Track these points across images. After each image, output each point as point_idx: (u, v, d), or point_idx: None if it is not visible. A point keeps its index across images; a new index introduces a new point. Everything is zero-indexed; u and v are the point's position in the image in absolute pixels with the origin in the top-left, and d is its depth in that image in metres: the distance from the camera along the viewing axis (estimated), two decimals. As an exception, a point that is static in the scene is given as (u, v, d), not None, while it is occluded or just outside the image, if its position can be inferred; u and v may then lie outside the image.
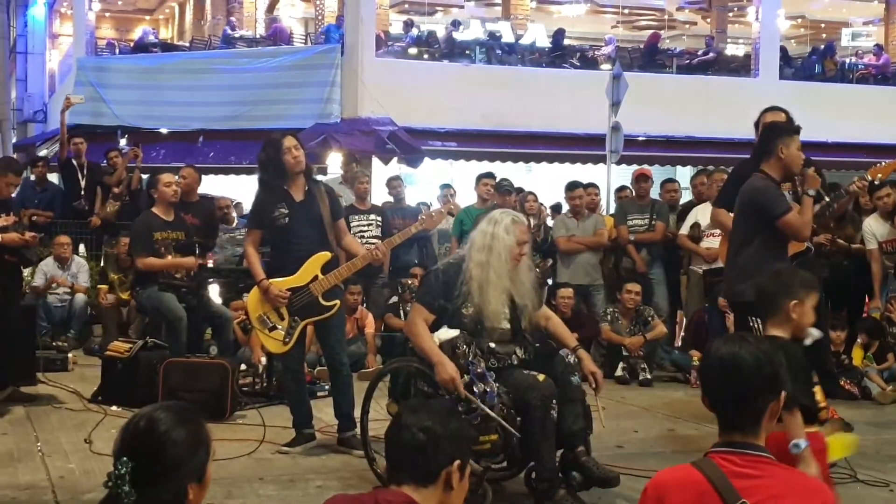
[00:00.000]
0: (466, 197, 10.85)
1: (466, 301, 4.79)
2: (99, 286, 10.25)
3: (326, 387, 7.25)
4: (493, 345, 4.80)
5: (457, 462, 2.30)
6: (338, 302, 5.83)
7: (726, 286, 5.76)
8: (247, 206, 12.35)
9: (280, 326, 5.77)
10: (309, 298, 5.73)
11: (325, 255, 5.79)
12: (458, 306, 4.80)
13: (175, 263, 7.32)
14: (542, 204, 11.75)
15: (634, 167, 12.66)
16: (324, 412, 6.27)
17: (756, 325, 5.22)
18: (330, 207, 5.91)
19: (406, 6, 23.06)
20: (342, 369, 5.93)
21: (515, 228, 4.85)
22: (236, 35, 19.41)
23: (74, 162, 10.91)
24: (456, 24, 19.16)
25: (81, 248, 10.89)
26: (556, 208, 12.14)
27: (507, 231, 4.82)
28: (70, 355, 8.74)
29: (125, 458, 2.05)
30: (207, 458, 2.17)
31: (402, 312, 8.84)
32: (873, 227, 7.98)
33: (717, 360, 2.41)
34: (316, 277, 5.74)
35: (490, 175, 9.94)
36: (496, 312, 4.82)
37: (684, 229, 9.00)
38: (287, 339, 5.77)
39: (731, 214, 5.91)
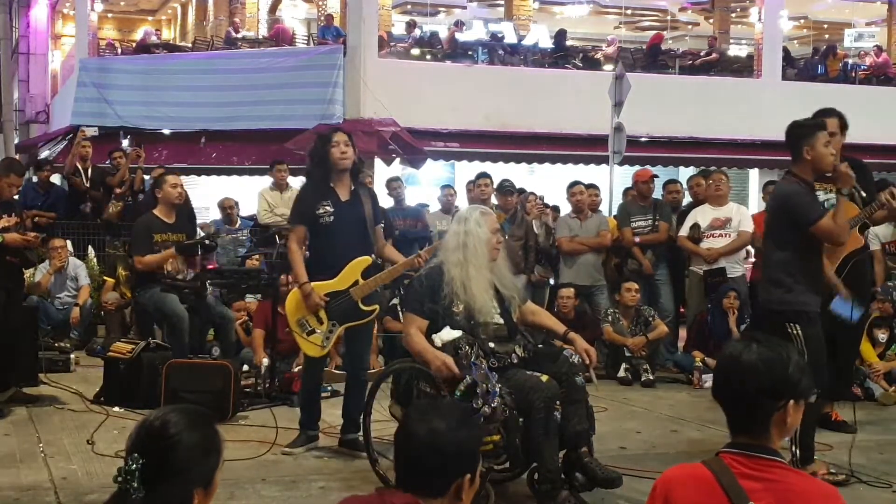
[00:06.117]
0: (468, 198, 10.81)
1: (454, 300, 4.80)
2: (106, 278, 10.25)
3: (329, 388, 7.25)
4: (492, 345, 4.80)
5: (467, 476, 2.28)
6: (377, 307, 5.79)
7: (761, 291, 5.57)
8: (245, 207, 12.39)
9: (319, 331, 5.71)
10: (349, 304, 5.67)
11: (366, 260, 5.72)
12: (447, 306, 4.81)
13: (172, 255, 7.30)
14: (546, 205, 11.73)
15: (637, 168, 12.65)
16: (327, 413, 6.26)
17: (795, 332, 5.17)
18: (372, 210, 5.85)
19: (408, 7, 23.08)
20: (361, 374, 5.91)
21: (485, 220, 4.89)
22: (239, 36, 19.42)
23: (80, 166, 10.90)
24: (459, 24, 19.16)
25: (90, 249, 10.89)
26: (555, 209, 12.09)
27: (478, 224, 4.85)
28: (72, 356, 8.73)
29: (136, 455, 2.05)
30: (217, 466, 2.16)
31: (401, 315, 8.81)
32: (877, 230, 7.98)
33: (722, 362, 2.40)
34: (356, 282, 5.67)
35: (486, 175, 9.91)
36: (485, 307, 4.83)
37: (684, 230, 8.99)
38: (325, 344, 5.74)
39: None
